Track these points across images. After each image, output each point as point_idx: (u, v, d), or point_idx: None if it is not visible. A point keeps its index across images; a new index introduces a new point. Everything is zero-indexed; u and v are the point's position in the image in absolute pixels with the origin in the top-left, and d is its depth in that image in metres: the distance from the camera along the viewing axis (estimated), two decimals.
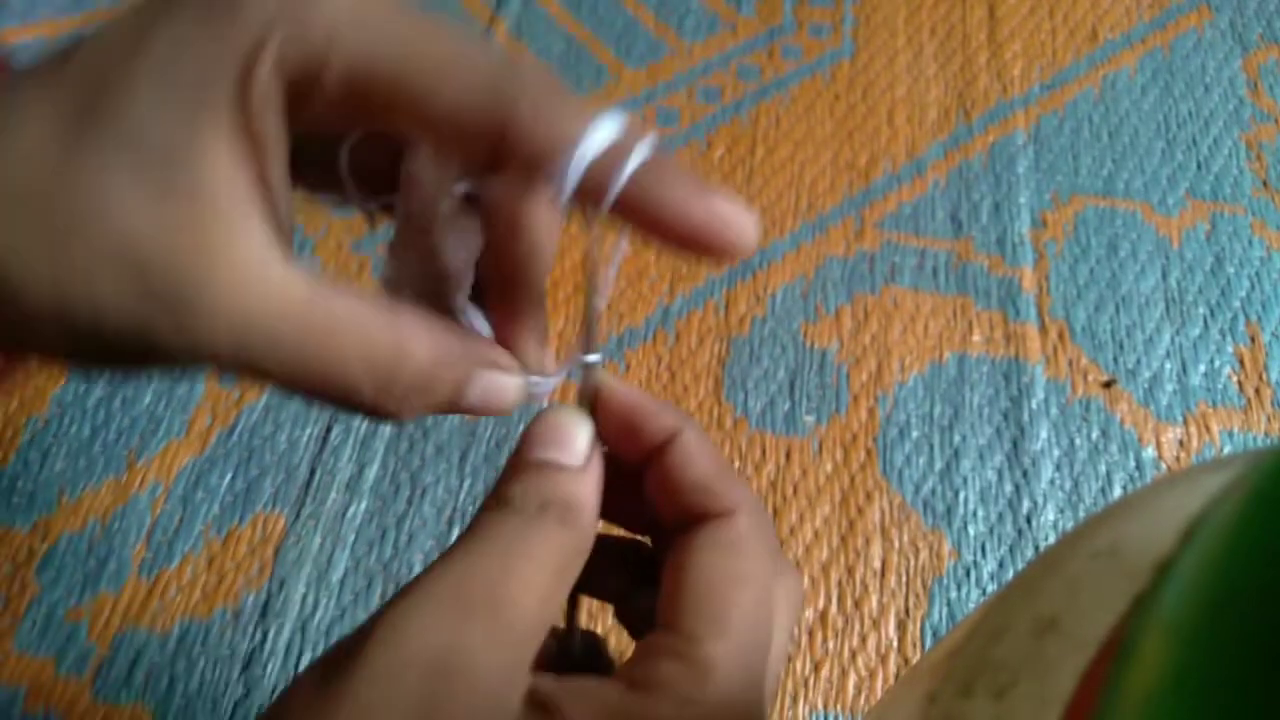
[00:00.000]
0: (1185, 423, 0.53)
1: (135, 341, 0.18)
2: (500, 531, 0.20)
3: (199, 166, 0.18)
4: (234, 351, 0.19)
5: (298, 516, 0.49)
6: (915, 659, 0.46)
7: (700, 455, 0.23)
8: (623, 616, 0.25)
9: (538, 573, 0.20)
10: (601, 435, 0.23)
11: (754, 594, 0.21)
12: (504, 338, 0.24)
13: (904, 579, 0.48)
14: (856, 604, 0.47)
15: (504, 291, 0.24)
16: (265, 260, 0.19)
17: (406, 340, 0.21)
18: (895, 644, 0.46)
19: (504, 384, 0.22)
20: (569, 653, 0.25)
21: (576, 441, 0.22)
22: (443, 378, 0.21)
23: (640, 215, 0.20)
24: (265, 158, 0.19)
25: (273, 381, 0.20)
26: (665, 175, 0.20)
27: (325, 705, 0.18)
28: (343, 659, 0.19)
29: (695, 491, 0.22)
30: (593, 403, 0.23)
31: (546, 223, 0.23)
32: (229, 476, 0.50)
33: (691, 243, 0.20)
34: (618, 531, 0.25)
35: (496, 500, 0.21)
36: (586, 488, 0.22)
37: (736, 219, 0.20)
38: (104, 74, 0.18)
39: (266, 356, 0.19)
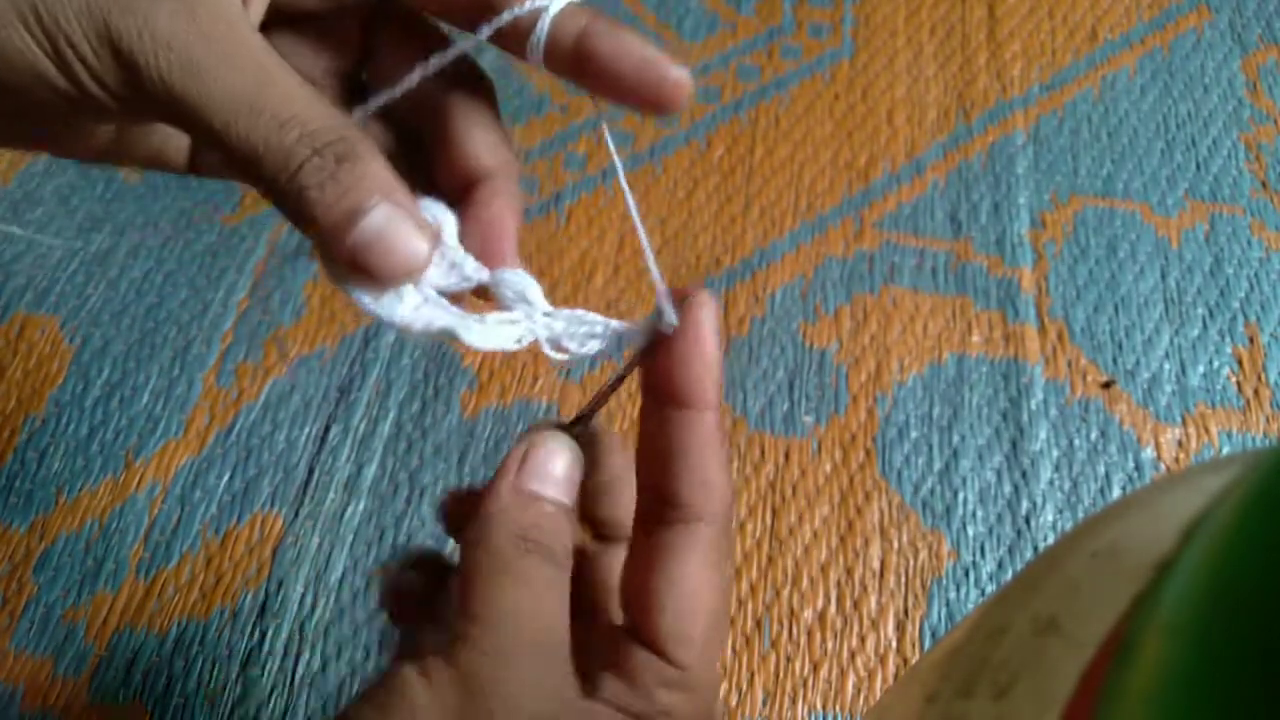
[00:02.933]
0: (1184, 423, 0.53)
1: (95, 36, 0.19)
2: (537, 575, 0.22)
3: None
4: (180, 83, 0.20)
5: (296, 516, 0.49)
6: (914, 659, 0.46)
7: (709, 447, 0.23)
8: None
9: (566, 611, 0.22)
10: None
11: (717, 599, 0.23)
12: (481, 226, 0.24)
13: (903, 579, 0.48)
14: (855, 604, 0.47)
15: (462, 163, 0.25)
16: (238, 18, 0.20)
17: (348, 125, 0.21)
18: (894, 644, 0.46)
19: (406, 231, 0.22)
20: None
21: (563, 477, 0.23)
22: (369, 173, 0.21)
23: (585, 65, 0.23)
24: None
25: (209, 128, 0.20)
26: (609, 30, 0.23)
27: None
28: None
29: (694, 483, 0.23)
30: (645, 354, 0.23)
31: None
32: (227, 476, 0.50)
33: (629, 90, 0.23)
34: None
35: (523, 540, 0.22)
36: (570, 524, 0.23)
37: (669, 70, 0.22)
38: None
39: (212, 100, 0.20)
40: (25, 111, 0.21)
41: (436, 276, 0.24)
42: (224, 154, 0.21)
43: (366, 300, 0.23)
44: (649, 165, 0.62)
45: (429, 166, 0.26)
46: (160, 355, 0.54)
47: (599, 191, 0.61)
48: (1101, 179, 0.62)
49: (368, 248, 0.21)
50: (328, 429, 0.52)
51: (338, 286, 0.23)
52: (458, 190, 0.25)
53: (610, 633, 0.24)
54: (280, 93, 0.21)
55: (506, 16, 0.22)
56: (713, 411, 0.23)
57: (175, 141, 0.26)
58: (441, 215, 0.24)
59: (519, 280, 0.24)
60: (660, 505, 0.23)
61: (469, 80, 0.25)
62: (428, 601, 0.26)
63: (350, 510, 0.49)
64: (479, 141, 0.25)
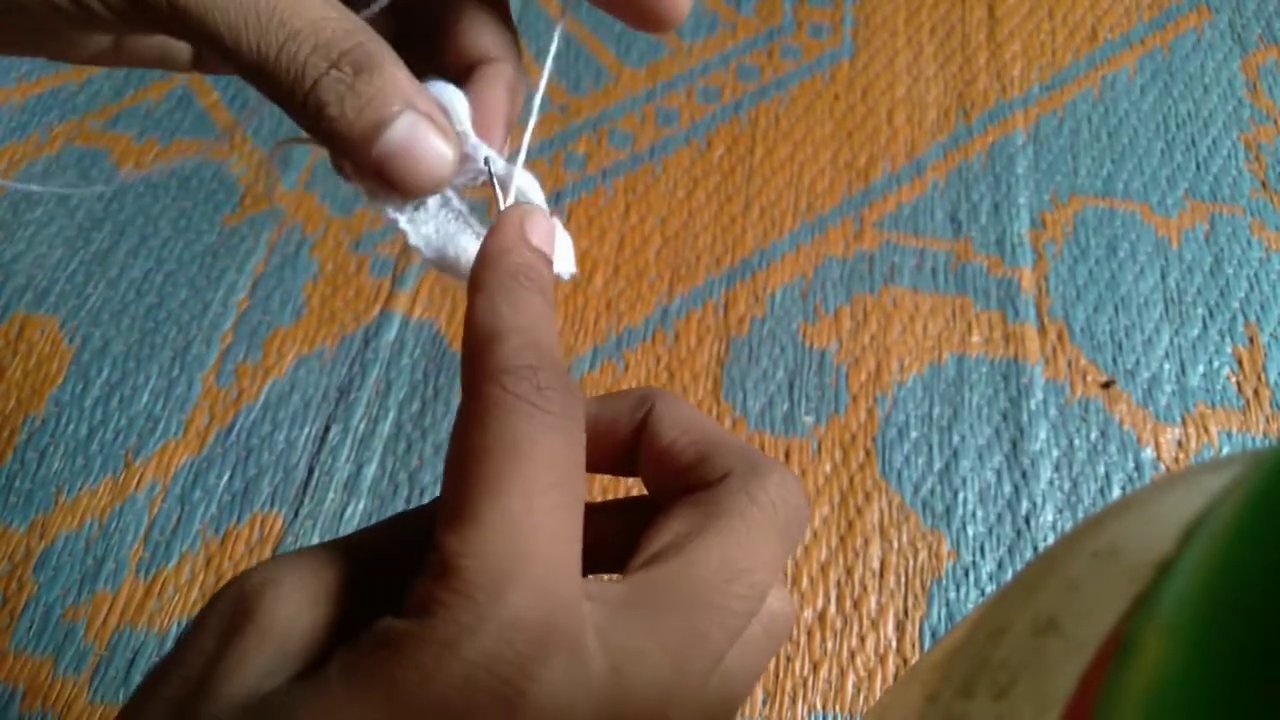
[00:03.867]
0: (1184, 423, 0.53)
1: None
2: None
3: None
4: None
5: (296, 516, 0.49)
6: (914, 659, 0.46)
7: (676, 434, 0.22)
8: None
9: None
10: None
11: (496, 466, 0.18)
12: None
13: (903, 579, 0.48)
14: (855, 604, 0.47)
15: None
16: None
17: (372, 37, 0.21)
18: (894, 644, 0.46)
19: (431, 139, 0.21)
20: None
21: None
22: (392, 81, 0.21)
23: None
24: None
25: (222, 49, 0.20)
26: None
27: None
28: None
29: (682, 469, 0.22)
30: None
31: None
32: (227, 476, 0.50)
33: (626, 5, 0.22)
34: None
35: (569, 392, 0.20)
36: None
37: None
38: None
39: (232, 6, 0.19)
40: (16, 22, 0.21)
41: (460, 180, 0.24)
42: (234, 66, 0.20)
43: (395, 215, 0.23)
44: (649, 165, 0.62)
45: (431, 48, 0.25)
46: (160, 355, 0.54)
47: (599, 191, 0.61)
48: (1101, 179, 0.62)
49: (392, 158, 0.21)
50: (328, 429, 0.52)
51: (367, 202, 0.23)
52: (460, 73, 0.25)
53: None
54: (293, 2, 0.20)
55: None
56: (481, 289, 0.21)
57: (178, 43, 0.26)
58: (452, 98, 0.24)
59: (525, 181, 0.24)
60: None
61: None
62: None
63: (350, 510, 0.49)
64: (480, 24, 0.24)
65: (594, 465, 0.23)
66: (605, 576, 0.23)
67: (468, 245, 0.23)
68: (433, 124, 0.21)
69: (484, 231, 0.23)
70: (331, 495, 0.50)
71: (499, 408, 0.18)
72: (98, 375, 0.54)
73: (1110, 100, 0.66)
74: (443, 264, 0.23)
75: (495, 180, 0.24)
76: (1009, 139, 0.64)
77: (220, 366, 0.54)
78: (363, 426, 0.52)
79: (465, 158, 0.23)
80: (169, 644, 0.46)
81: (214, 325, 0.55)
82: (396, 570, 0.20)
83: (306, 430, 0.52)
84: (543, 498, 0.18)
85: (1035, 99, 0.66)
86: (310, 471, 0.51)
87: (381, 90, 0.20)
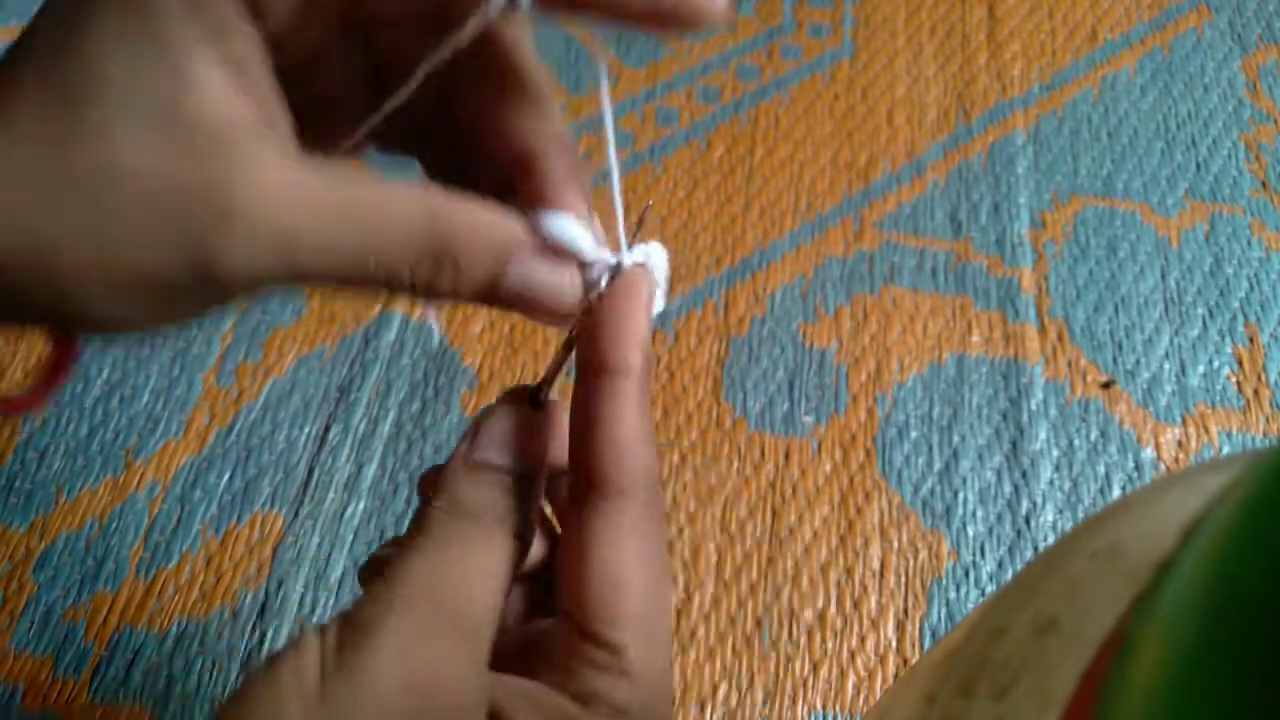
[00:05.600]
0: (1184, 423, 0.53)
1: (189, 280, 0.19)
2: (458, 538, 0.21)
3: (192, 102, 0.18)
4: (279, 262, 0.19)
5: (296, 516, 0.49)
6: (914, 659, 0.46)
7: (629, 414, 0.22)
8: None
9: (494, 582, 0.21)
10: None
11: (651, 578, 0.22)
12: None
13: (903, 579, 0.48)
14: (855, 604, 0.47)
15: (519, 150, 0.23)
16: (284, 168, 0.19)
17: (438, 208, 0.20)
18: (894, 644, 0.46)
19: (545, 276, 0.22)
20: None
21: (503, 441, 0.23)
22: (479, 249, 0.21)
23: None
24: (248, 71, 0.19)
25: (322, 282, 0.20)
26: None
27: (328, 713, 0.19)
28: (342, 668, 0.19)
29: (610, 454, 0.22)
30: (581, 325, 0.22)
31: (515, 39, 0.22)
32: (227, 476, 0.50)
33: (640, 10, 0.20)
34: None
35: (451, 503, 0.22)
36: (538, 498, 0.23)
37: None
38: (68, 48, 0.18)
39: (310, 258, 0.19)
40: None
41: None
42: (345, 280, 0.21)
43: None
44: (649, 165, 0.62)
45: (472, 165, 0.24)
46: (160, 355, 0.54)
47: (599, 191, 0.61)
48: (1101, 179, 0.62)
49: (518, 298, 0.21)
50: (328, 429, 0.52)
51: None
52: (512, 178, 0.23)
53: (554, 625, 0.23)
54: (358, 218, 0.20)
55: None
56: (632, 378, 0.22)
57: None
58: (565, 226, 0.23)
59: (656, 255, 0.25)
60: (582, 482, 0.22)
61: (485, 57, 0.23)
62: None
63: (350, 510, 0.49)
64: (512, 121, 0.23)
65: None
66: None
67: None
68: (539, 255, 0.21)
69: None
70: (331, 495, 0.50)
71: (649, 521, 0.22)
72: (98, 375, 0.54)
73: (1110, 100, 0.66)
74: None
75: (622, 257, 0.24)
76: (1009, 139, 0.64)
77: (220, 366, 0.54)
78: (363, 426, 0.52)
79: (593, 267, 0.23)
80: (169, 645, 0.46)
81: (214, 325, 0.55)
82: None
83: (306, 430, 0.52)
84: (670, 606, 0.24)
85: (1035, 99, 0.66)
86: (310, 471, 0.51)
87: (484, 263, 0.21)
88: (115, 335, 0.20)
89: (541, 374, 0.25)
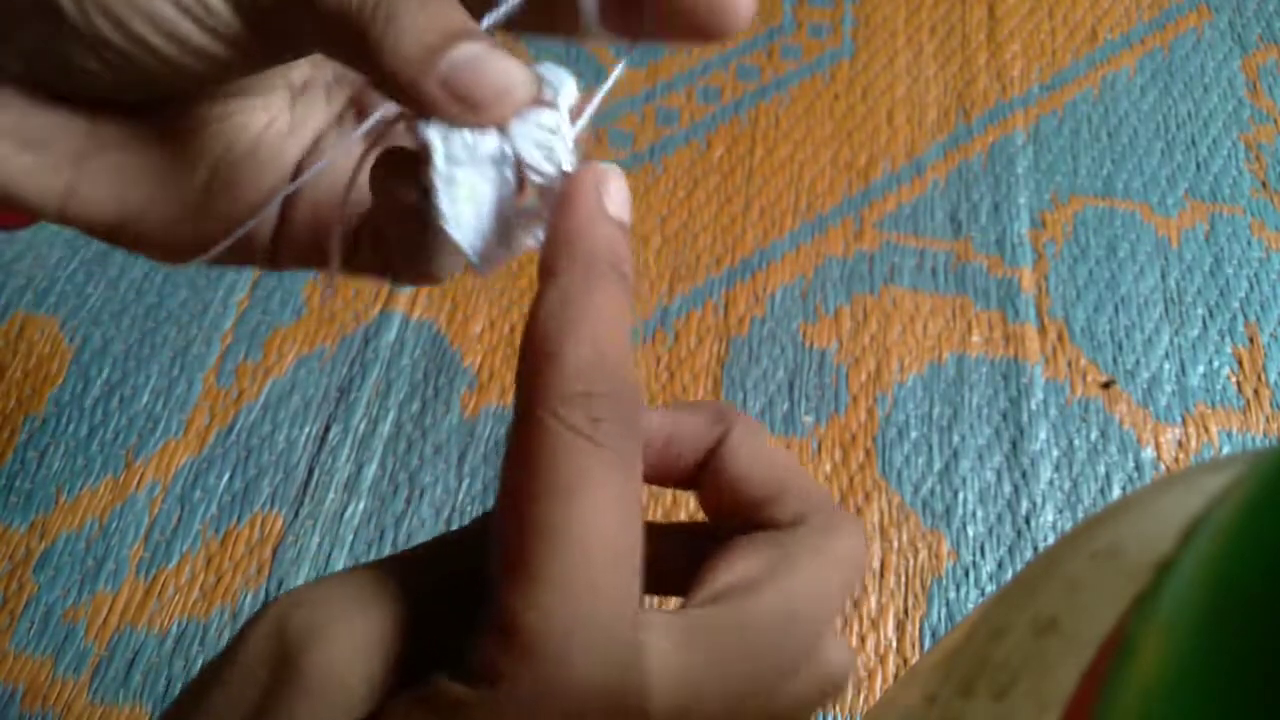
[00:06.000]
0: (1184, 423, 0.53)
1: None
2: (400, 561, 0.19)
3: None
4: None
5: (296, 516, 0.49)
6: (914, 659, 0.46)
7: (754, 463, 0.20)
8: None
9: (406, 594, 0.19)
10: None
11: (553, 511, 0.17)
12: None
13: (903, 579, 0.48)
14: (855, 604, 0.47)
15: None
16: None
17: None
18: (894, 644, 0.46)
19: (502, 61, 0.19)
20: None
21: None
22: (450, 10, 0.19)
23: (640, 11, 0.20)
24: None
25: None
26: None
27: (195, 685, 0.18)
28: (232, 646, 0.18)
29: (756, 505, 0.20)
30: None
31: None
32: (227, 476, 0.50)
33: (693, 30, 0.20)
34: None
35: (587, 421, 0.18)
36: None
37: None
38: None
39: None
40: (132, 76, 0.20)
41: (523, 136, 0.20)
42: (317, 15, 0.19)
43: (432, 136, 0.19)
44: (649, 165, 0.62)
45: None
46: (160, 355, 0.54)
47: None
48: (1101, 179, 0.62)
49: (459, 71, 0.19)
50: (328, 429, 0.52)
51: (418, 131, 0.20)
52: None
53: None
54: None
55: None
56: (551, 279, 0.18)
57: (328, 238, 0.24)
58: (561, 79, 0.21)
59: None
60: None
61: None
62: None
63: (350, 510, 0.49)
64: None
65: (658, 479, 0.22)
66: (658, 601, 0.23)
67: (485, 225, 0.20)
68: (508, 54, 0.19)
69: (525, 214, 0.20)
70: (331, 495, 0.50)
71: (553, 443, 0.17)
72: (98, 375, 0.54)
73: (1110, 100, 0.66)
74: (456, 224, 0.20)
75: (563, 126, 0.21)
76: (1009, 139, 0.64)
77: (220, 366, 0.54)
78: (363, 426, 0.52)
79: (540, 142, 0.20)
80: (169, 645, 0.46)
81: (214, 325, 0.55)
82: (443, 609, 0.19)
83: (306, 430, 0.52)
84: (603, 548, 0.17)
85: (1035, 99, 0.66)
86: (310, 471, 0.51)
87: (458, 14, 0.19)
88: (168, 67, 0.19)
89: None
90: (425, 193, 0.20)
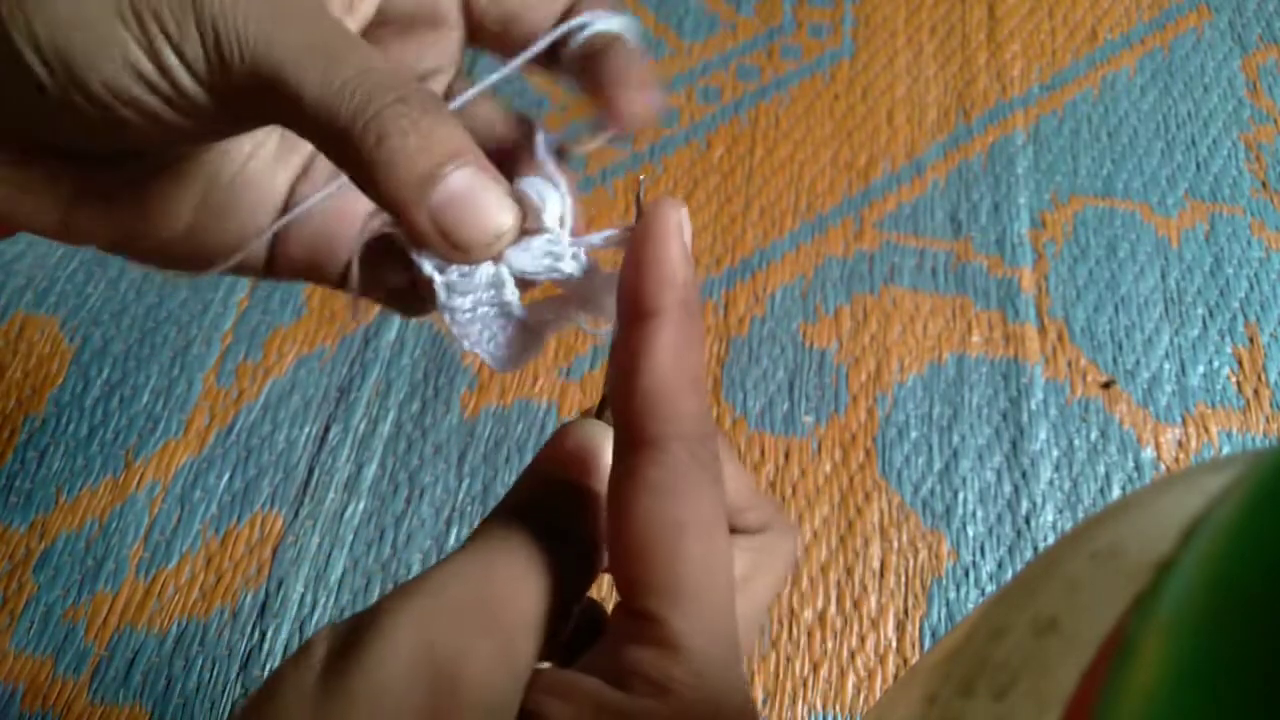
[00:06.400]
0: (1184, 423, 0.53)
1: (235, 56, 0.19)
2: (517, 544, 0.20)
3: None
4: (256, 47, 0.19)
5: (296, 516, 0.49)
6: (914, 659, 0.46)
7: (661, 354, 0.20)
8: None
9: (545, 594, 0.20)
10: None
11: (699, 542, 0.19)
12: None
13: (903, 579, 0.48)
14: (855, 604, 0.47)
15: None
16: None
17: (411, 81, 0.20)
18: (894, 644, 0.46)
19: (490, 197, 0.20)
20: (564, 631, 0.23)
21: (603, 461, 0.21)
22: (430, 133, 0.19)
23: (585, 76, 0.23)
24: None
25: (269, 93, 0.19)
26: (620, 56, 0.23)
27: (329, 703, 0.18)
28: (346, 656, 0.18)
29: (636, 401, 0.20)
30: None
31: None
32: (227, 476, 0.50)
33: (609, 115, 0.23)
34: None
35: (510, 513, 0.21)
36: (593, 515, 0.21)
37: (640, 108, 0.23)
38: None
39: (280, 55, 0.19)
40: (109, 138, 0.21)
41: (525, 260, 0.22)
42: (300, 119, 0.19)
43: (431, 272, 0.21)
44: (649, 165, 0.62)
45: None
46: (160, 355, 0.54)
47: (599, 192, 0.61)
48: (1101, 179, 0.62)
49: (447, 207, 0.19)
50: (328, 429, 0.52)
51: (415, 260, 0.21)
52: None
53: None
54: (360, 50, 0.20)
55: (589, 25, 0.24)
56: (661, 317, 0.19)
57: (326, 256, 0.26)
58: (546, 194, 0.22)
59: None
60: (623, 438, 0.20)
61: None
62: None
63: (350, 510, 0.49)
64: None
65: None
66: None
67: (499, 337, 0.22)
68: (496, 183, 0.20)
69: (518, 328, 0.22)
70: (331, 495, 0.50)
71: (693, 478, 0.19)
72: (98, 375, 0.54)
73: (1110, 100, 0.66)
74: (470, 342, 0.22)
75: (640, 194, 0.22)
76: (1009, 139, 0.64)
77: (220, 366, 0.54)
78: (363, 426, 0.52)
79: (546, 252, 0.22)
80: (169, 645, 0.46)
81: (214, 325, 0.55)
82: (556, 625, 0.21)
83: (306, 430, 0.52)
84: (730, 581, 0.19)
85: (1035, 99, 0.66)
86: (310, 471, 0.51)
87: (447, 135, 0.19)
88: (139, 135, 0.20)
89: (574, 400, 0.25)
90: (414, 283, 0.22)
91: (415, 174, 0.19)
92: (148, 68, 0.19)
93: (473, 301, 0.21)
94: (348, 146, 0.19)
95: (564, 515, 0.21)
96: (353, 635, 0.18)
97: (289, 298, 0.56)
